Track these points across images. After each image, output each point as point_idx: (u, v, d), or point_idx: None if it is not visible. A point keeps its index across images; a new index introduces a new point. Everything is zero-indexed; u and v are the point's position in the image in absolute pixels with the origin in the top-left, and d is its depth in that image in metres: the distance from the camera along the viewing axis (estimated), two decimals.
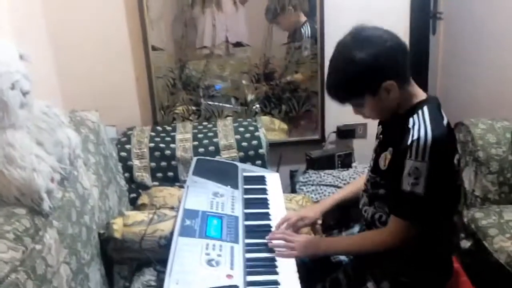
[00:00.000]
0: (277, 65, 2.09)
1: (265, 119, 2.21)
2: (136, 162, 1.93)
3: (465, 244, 1.79)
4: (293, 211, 1.46)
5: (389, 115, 1.19)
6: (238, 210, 1.40)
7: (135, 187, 1.93)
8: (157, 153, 1.93)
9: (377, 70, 1.07)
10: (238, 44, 2.04)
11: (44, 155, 1.12)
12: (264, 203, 1.50)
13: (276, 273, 1.17)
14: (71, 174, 1.33)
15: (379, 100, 1.10)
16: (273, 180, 1.66)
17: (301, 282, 1.40)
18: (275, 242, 1.26)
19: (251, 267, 1.18)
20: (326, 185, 1.94)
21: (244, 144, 1.93)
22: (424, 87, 1.20)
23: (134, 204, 1.87)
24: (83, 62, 2.01)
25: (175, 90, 2.08)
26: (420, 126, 1.08)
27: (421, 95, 1.16)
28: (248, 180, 1.63)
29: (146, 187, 1.91)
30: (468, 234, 1.78)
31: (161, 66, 2.03)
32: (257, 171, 1.73)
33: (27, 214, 1.04)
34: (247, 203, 1.48)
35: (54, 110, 1.29)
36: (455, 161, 1.11)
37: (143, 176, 1.92)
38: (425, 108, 1.12)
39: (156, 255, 1.44)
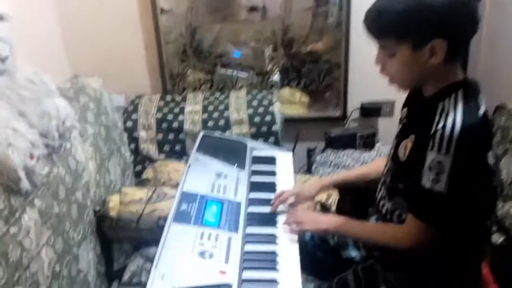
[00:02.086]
0: (297, 33, 1.89)
1: (285, 91, 2.04)
2: (142, 134, 1.82)
3: (497, 239, 1.62)
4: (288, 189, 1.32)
5: (411, 84, 1.01)
6: (242, 195, 1.28)
7: (141, 160, 1.84)
8: (164, 125, 1.82)
9: (441, 18, 0.88)
10: (254, 9, 1.84)
11: (23, 128, 1.01)
12: (271, 187, 1.36)
13: (276, 270, 1.05)
14: (61, 148, 1.23)
15: (416, 58, 0.91)
16: (285, 161, 1.51)
17: (309, 276, 1.30)
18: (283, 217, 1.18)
19: (249, 261, 1.06)
20: (345, 167, 1.78)
21: (257, 119, 1.79)
22: (463, 65, 1.00)
23: (139, 177, 1.78)
24: (90, 26, 1.89)
25: (186, 57, 1.92)
26: (449, 113, 0.90)
27: (459, 76, 0.97)
28: (256, 160, 1.49)
29: (152, 160, 1.82)
30: (500, 229, 1.60)
31: (171, 31, 1.87)
32: (268, 150, 1.58)
33: (2, 194, 0.94)
34: (253, 187, 1.35)
35: (42, 77, 1.18)
36: (490, 159, 0.92)
37: (149, 149, 1.82)
38: (460, 93, 0.93)
39: (153, 236, 1.35)
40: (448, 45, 0.89)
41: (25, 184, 0.98)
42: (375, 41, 0.95)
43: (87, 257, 1.28)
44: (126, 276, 1.36)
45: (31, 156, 1.00)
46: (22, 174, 0.97)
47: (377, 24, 0.92)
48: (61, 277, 1.10)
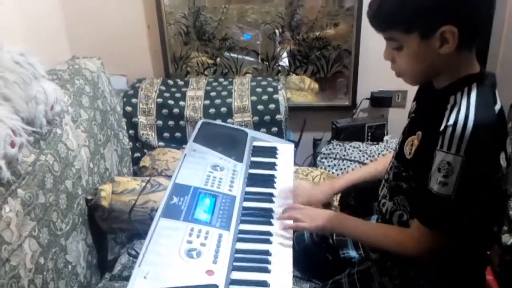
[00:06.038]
0: (306, 16, 1.78)
1: (294, 77, 1.95)
2: (141, 119, 1.76)
3: (507, 239, 1.54)
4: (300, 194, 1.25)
5: (423, 78, 0.93)
6: (237, 189, 1.21)
7: (140, 146, 1.78)
8: (164, 111, 1.75)
9: (448, 1, 0.80)
10: None
11: (4, 114, 0.96)
12: (269, 180, 1.30)
13: (268, 271, 0.99)
14: (50, 134, 1.18)
15: (425, 49, 0.83)
16: (286, 153, 1.44)
17: (303, 274, 1.24)
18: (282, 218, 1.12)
19: (239, 260, 1.00)
20: (350, 160, 1.70)
21: (260, 107, 1.71)
22: (482, 58, 0.91)
23: (138, 165, 1.73)
24: (91, 4, 1.82)
25: (189, 40, 1.84)
26: (461, 108, 0.82)
27: (474, 68, 0.87)
28: (257, 151, 1.42)
29: (151, 147, 1.76)
30: None
31: (173, 11, 1.79)
32: (269, 141, 1.51)
33: None
34: (251, 179, 1.29)
35: (30, 59, 1.12)
36: (502, 161, 0.84)
37: (149, 135, 1.76)
38: (474, 86, 0.85)
39: (146, 228, 1.30)
40: (459, 32, 0.80)
41: (5, 174, 0.93)
42: (380, 34, 0.87)
43: (77, 248, 1.24)
44: (116, 269, 1.33)
45: (13, 144, 0.95)
46: (2, 163, 0.92)
47: (379, 16, 0.84)
48: (46, 269, 1.06)
